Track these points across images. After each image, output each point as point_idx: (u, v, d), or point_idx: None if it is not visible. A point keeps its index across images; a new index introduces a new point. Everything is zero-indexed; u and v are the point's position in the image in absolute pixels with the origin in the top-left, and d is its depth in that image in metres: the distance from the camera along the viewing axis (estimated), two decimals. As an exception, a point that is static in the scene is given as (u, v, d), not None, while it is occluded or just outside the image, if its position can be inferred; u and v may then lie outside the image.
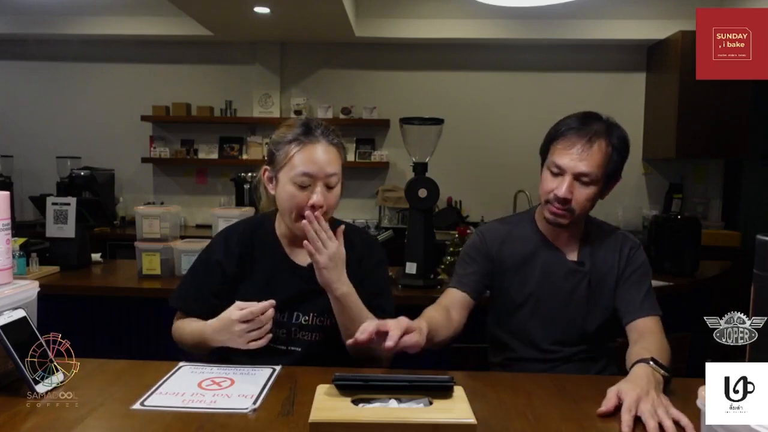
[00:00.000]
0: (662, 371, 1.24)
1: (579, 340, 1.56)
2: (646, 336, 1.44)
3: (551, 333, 1.56)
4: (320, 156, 1.41)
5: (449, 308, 1.53)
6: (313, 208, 1.39)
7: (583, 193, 1.48)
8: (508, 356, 1.61)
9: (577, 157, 1.46)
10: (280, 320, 1.47)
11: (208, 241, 2.38)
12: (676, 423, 1.07)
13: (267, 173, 1.49)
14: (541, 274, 1.57)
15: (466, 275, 1.61)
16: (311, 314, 1.48)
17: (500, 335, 1.64)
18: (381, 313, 1.52)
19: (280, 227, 1.54)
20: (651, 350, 1.32)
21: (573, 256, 1.59)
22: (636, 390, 1.13)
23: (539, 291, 1.57)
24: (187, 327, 1.50)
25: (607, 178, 1.50)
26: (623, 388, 1.16)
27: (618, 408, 1.12)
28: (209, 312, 1.49)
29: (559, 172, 1.48)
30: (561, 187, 1.47)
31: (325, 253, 1.35)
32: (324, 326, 1.48)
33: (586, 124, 1.48)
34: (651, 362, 1.24)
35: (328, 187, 1.43)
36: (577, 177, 1.47)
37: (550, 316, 1.56)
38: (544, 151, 1.56)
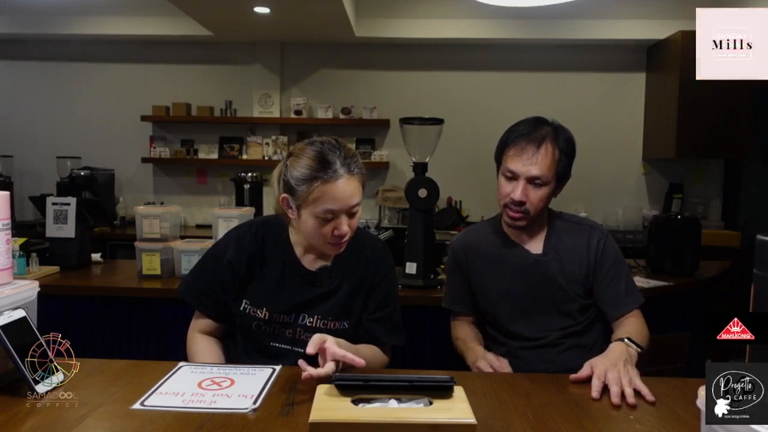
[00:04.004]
0: (635, 347, 1.41)
1: (562, 321, 1.62)
2: (623, 324, 1.57)
3: (534, 323, 1.63)
4: (343, 191, 1.37)
5: (472, 338, 1.70)
6: (339, 237, 1.42)
7: (536, 195, 1.57)
8: (504, 351, 1.67)
9: (528, 162, 1.55)
10: (286, 321, 1.50)
11: (209, 241, 2.38)
12: (638, 393, 1.21)
13: (285, 202, 1.45)
14: (511, 272, 1.65)
15: (457, 294, 1.77)
16: (315, 317, 1.50)
17: (491, 333, 1.72)
18: (388, 322, 1.55)
19: (296, 235, 1.54)
20: (629, 332, 1.48)
21: (538, 249, 1.67)
22: (605, 362, 1.29)
23: (512, 289, 1.64)
24: (201, 357, 1.50)
25: (557, 178, 1.60)
26: (594, 361, 1.31)
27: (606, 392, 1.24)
28: (218, 309, 1.53)
29: (513, 177, 1.58)
30: (516, 190, 1.57)
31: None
32: (327, 329, 1.49)
33: (535, 130, 1.58)
34: (626, 339, 1.42)
35: (352, 214, 1.43)
36: (530, 180, 1.56)
37: (527, 309, 1.64)
38: (498, 158, 1.65)
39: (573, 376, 1.30)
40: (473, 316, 1.77)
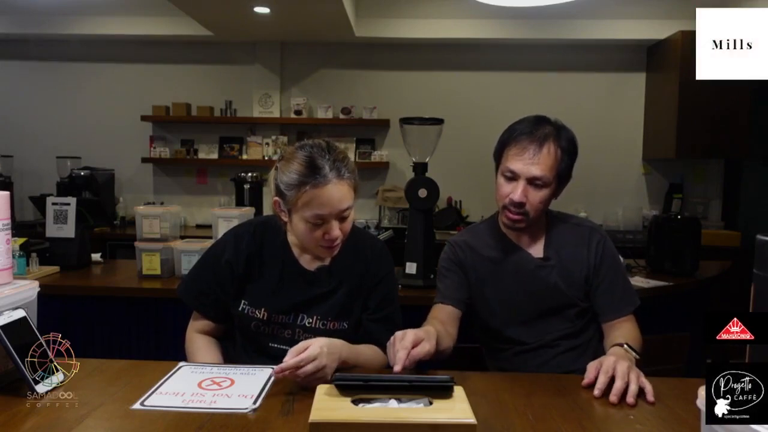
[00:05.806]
0: (633, 353, 1.39)
1: (560, 325, 1.59)
2: (618, 328, 1.55)
3: (531, 329, 1.59)
4: (332, 196, 1.36)
5: (443, 322, 1.54)
6: (330, 240, 1.41)
7: (537, 196, 1.52)
8: (501, 356, 1.64)
9: (529, 162, 1.50)
10: (285, 321, 1.50)
11: (209, 241, 2.38)
12: (640, 392, 1.20)
13: (278, 205, 1.45)
14: (512, 276, 1.61)
15: (447, 288, 1.64)
16: (315, 317, 1.50)
17: (487, 339, 1.67)
18: (388, 322, 1.54)
19: (293, 235, 1.53)
20: (625, 337, 1.47)
21: (539, 253, 1.62)
22: (613, 358, 1.28)
23: (513, 293, 1.60)
24: (200, 357, 1.50)
25: (559, 179, 1.55)
26: (602, 358, 1.30)
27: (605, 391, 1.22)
28: (218, 309, 1.53)
29: (513, 177, 1.53)
30: (516, 191, 1.52)
31: (313, 365, 1.21)
32: (327, 329, 1.49)
33: (537, 128, 1.53)
34: (625, 345, 1.40)
35: (343, 218, 1.42)
36: (531, 181, 1.51)
37: (526, 314, 1.60)
38: (497, 157, 1.60)
39: (583, 382, 1.26)
40: (462, 312, 1.63)
